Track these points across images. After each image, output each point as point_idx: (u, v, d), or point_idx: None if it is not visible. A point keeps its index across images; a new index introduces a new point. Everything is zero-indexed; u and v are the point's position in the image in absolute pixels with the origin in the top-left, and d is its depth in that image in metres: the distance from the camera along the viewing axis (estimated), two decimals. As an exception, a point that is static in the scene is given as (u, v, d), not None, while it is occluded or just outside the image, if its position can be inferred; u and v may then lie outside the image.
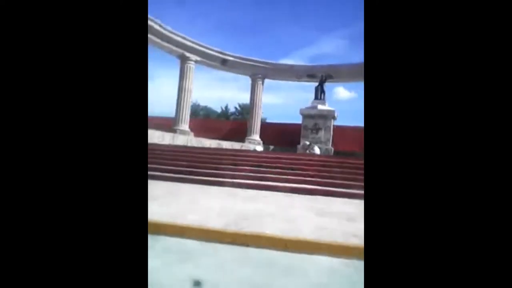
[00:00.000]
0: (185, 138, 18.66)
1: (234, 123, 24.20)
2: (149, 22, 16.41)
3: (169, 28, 17.77)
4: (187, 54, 19.26)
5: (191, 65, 19.67)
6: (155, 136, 16.56)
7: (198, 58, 19.81)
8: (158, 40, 17.46)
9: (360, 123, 21.70)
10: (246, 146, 20.61)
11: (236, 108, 34.31)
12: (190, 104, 19.73)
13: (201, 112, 35.61)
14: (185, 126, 19.29)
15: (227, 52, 21.24)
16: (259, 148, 19.63)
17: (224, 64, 21.17)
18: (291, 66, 22.09)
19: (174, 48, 18.55)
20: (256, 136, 22.10)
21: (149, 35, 16.64)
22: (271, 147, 21.05)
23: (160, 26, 17.25)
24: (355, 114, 56.83)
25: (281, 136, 21.30)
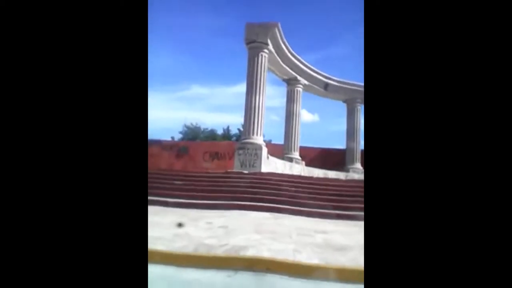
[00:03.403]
0: (299, 167, 17.31)
1: (320, 151, 22.81)
2: (281, 44, 15.27)
3: (291, 49, 16.61)
4: (299, 78, 18.08)
5: (300, 88, 18.47)
6: (279, 165, 15.22)
7: (307, 82, 18.63)
8: (280, 63, 16.27)
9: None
10: (351, 176, 19.24)
11: (238, 129, 31.32)
12: (299, 129, 18.34)
13: (201, 135, 33.33)
14: (296, 153, 17.92)
15: (329, 76, 20.13)
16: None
17: (325, 88, 20.01)
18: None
19: (290, 71, 17.35)
20: (358, 165, 20.76)
21: (275, 57, 15.45)
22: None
23: (287, 48, 16.08)
24: (318, 136, 57.36)
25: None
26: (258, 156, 12.64)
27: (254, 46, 13.92)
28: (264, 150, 13.03)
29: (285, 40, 15.65)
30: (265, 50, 14.10)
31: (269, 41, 14.07)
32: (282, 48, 15.74)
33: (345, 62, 58.02)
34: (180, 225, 3.54)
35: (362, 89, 21.06)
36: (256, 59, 13.85)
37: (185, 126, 33.12)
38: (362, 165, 20.64)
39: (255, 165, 12.53)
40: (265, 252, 3.74)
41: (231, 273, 3.27)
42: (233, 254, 3.62)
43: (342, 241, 4.72)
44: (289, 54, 16.58)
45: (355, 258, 3.68)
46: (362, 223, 6.17)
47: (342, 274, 3.25)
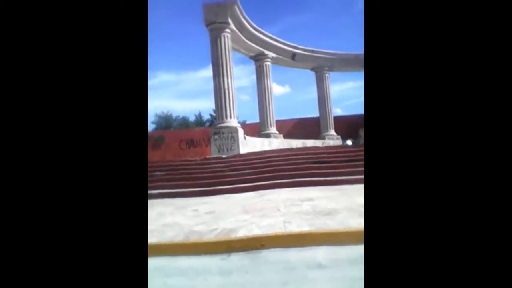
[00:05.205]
0: (278, 141, 17.41)
1: (295, 122, 22.97)
2: (243, 21, 14.96)
3: (254, 25, 16.31)
4: (266, 52, 17.88)
5: (268, 62, 18.31)
6: (257, 143, 15.25)
7: (274, 55, 18.47)
8: (245, 40, 15.98)
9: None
10: (327, 143, 19.59)
11: (211, 115, 31.51)
12: (273, 104, 18.30)
13: (174, 123, 32.83)
14: (273, 128, 17.95)
15: (296, 45, 19.99)
16: (349, 142, 18.62)
17: (293, 58, 19.93)
18: (357, 56, 21.16)
19: (256, 46, 17.11)
20: (332, 131, 21.11)
21: (239, 35, 15.16)
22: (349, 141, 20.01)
23: (250, 24, 15.78)
24: (291, 107, 59.16)
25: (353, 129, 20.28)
26: (235, 139, 12.57)
27: (215, 28, 13.54)
28: (241, 132, 12.97)
29: (246, 15, 15.33)
30: (227, 30, 13.75)
31: (229, 20, 13.74)
32: (245, 25, 15.43)
33: (309, 30, 57.77)
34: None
35: (329, 56, 21.20)
36: (218, 40, 13.51)
37: (157, 115, 32.32)
38: (335, 132, 21.08)
39: (232, 148, 12.49)
40: (256, 230, 3.77)
41: (224, 256, 3.28)
42: (224, 237, 3.63)
43: (329, 206, 4.82)
44: (252, 30, 16.30)
45: (343, 221, 3.78)
46: (345, 187, 6.30)
47: (333, 238, 3.34)
